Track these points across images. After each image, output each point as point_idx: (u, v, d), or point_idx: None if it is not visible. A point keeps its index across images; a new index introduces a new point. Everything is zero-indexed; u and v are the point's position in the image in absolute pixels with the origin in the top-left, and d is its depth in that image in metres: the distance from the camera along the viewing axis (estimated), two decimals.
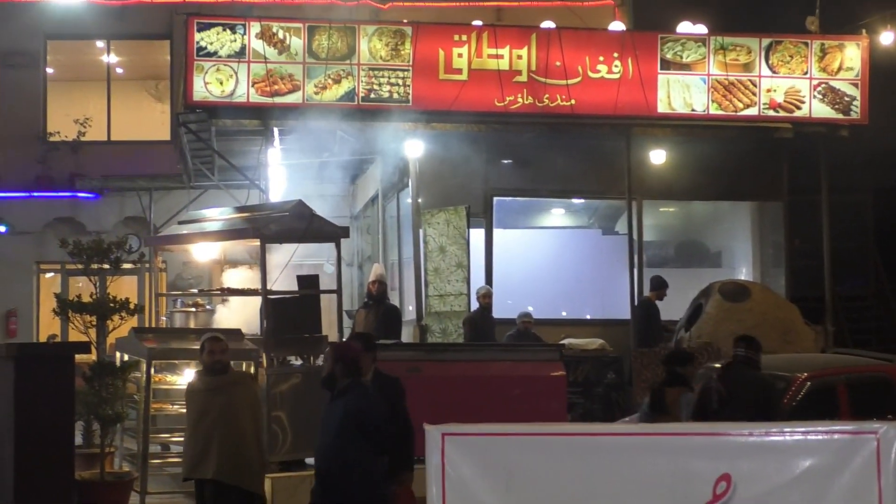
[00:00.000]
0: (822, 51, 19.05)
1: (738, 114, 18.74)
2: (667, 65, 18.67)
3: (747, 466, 6.03)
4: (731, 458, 6.03)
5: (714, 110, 18.71)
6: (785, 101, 18.86)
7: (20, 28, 27.78)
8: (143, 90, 30.01)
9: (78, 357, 12.87)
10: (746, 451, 6.08)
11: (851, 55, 19.10)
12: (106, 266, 15.59)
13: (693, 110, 18.69)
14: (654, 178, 19.70)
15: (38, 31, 27.96)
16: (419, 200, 19.16)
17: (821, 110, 18.97)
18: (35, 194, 27.10)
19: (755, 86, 18.77)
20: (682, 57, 18.70)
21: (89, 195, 27.00)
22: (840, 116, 19.04)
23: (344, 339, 15.17)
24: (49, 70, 28.50)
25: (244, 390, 10.96)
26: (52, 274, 27.60)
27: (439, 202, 19.22)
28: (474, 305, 18.40)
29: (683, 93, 18.64)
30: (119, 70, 29.56)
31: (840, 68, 19.05)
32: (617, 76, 18.53)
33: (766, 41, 18.91)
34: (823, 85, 18.98)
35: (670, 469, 5.92)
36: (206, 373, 10.82)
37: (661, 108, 18.60)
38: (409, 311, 19.93)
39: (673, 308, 18.85)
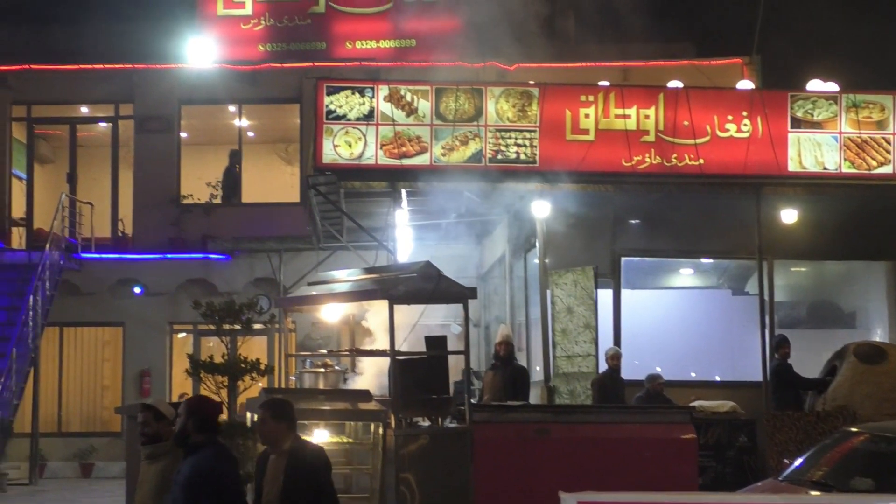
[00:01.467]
0: None
1: (872, 172, 18.37)
2: (797, 123, 18.40)
3: None
4: None
5: (847, 168, 18.37)
6: None
7: (156, 94, 28.46)
8: (273, 153, 30.46)
9: None
10: None
11: None
12: (237, 327, 15.74)
13: (825, 169, 18.37)
14: (786, 238, 19.38)
15: (172, 97, 28.58)
16: (546, 261, 19.09)
17: None
18: (168, 256, 27.57)
19: (889, 143, 18.41)
20: (812, 115, 18.42)
21: (221, 256, 27.39)
22: None
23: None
24: (183, 134, 29.08)
25: (165, 463, 9.98)
26: (184, 334, 27.99)
27: (567, 262, 19.12)
28: (602, 367, 18.24)
29: (815, 151, 18.34)
30: (250, 133, 30.05)
31: None
32: (746, 135, 18.30)
33: None
34: None
35: None
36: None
37: (792, 166, 18.30)
38: (537, 371, 19.81)
39: (806, 370, 18.48)
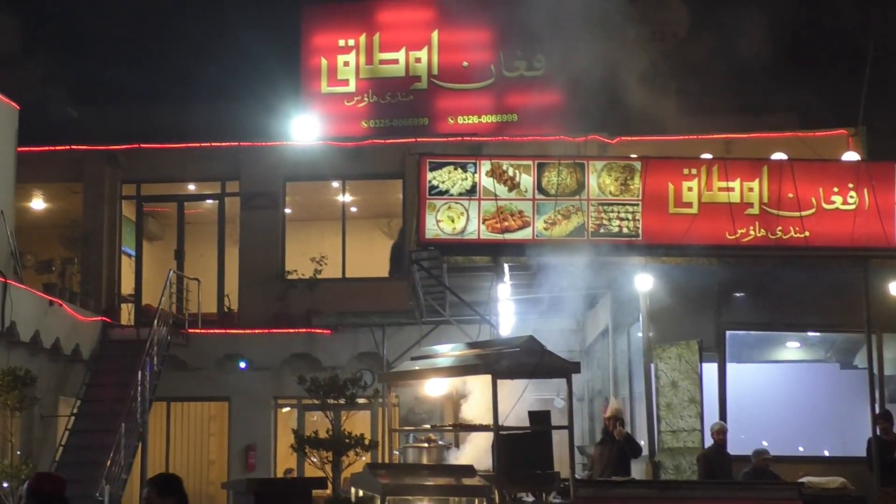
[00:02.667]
0: None
1: None
2: None
3: None
4: None
5: None
6: None
7: (261, 171, 28.87)
8: (376, 228, 30.67)
9: (315, 492, 13.00)
10: None
11: None
12: (341, 401, 15.88)
13: None
14: (895, 310, 19.10)
15: (277, 174, 28.96)
16: (650, 334, 18.99)
17: None
18: (273, 331, 27.77)
19: None
20: None
21: (324, 331, 27.53)
22: None
23: None
24: (287, 210, 29.39)
25: None
26: (288, 408, 28.13)
27: (670, 336, 19.01)
28: (708, 441, 18.07)
29: None
30: (353, 209, 30.31)
31: None
32: (853, 207, 18.15)
33: None
34: None
35: None
36: None
37: None
38: (641, 445, 19.65)
39: None
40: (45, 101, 30.12)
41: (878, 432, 17.65)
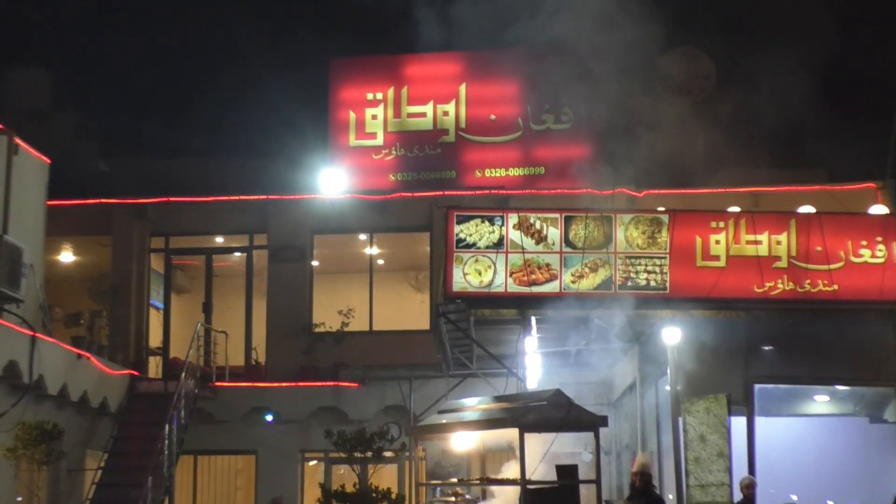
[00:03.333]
0: None
1: None
2: None
3: None
4: None
5: None
6: None
7: (290, 224, 29.01)
8: (403, 281, 30.71)
9: None
10: None
11: None
12: (368, 455, 15.87)
13: None
14: None
15: (305, 227, 29.08)
16: (678, 388, 18.96)
17: None
18: (301, 384, 27.80)
19: None
20: None
21: (352, 384, 27.54)
22: None
23: None
24: (315, 263, 29.47)
25: None
26: (315, 461, 28.11)
27: (699, 390, 18.96)
28: (737, 496, 17.99)
29: None
30: (380, 261, 30.37)
31: None
32: (881, 260, 18.14)
33: None
34: None
35: None
36: None
37: None
38: (670, 500, 19.59)
39: None
40: (75, 155, 30.33)
41: None
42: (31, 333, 22.36)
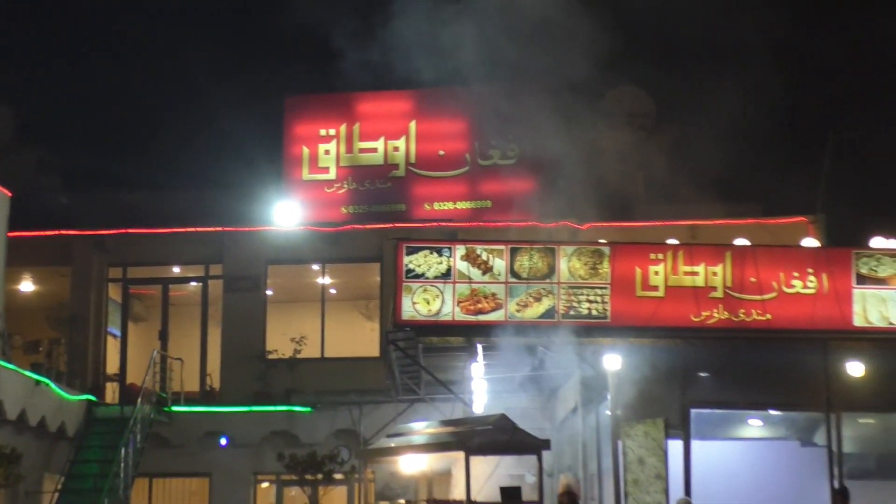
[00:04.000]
0: None
1: None
2: (862, 279, 18.39)
3: None
4: None
5: None
6: None
7: (244, 255, 28.99)
8: (354, 309, 30.70)
9: None
10: None
11: None
12: (319, 477, 15.85)
13: (891, 324, 18.29)
14: (853, 390, 19.19)
15: (260, 257, 29.06)
16: (618, 412, 19.04)
17: None
18: (254, 409, 27.72)
19: None
20: (877, 271, 18.41)
21: (304, 409, 27.49)
22: None
23: None
24: (269, 292, 29.42)
25: None
26: (267, 484, 27.98)
27: (637, 414, 19.06)
28: None
29: (880, 306, 18.29)
30: (332, 291, 30.36)
31: None
32: (812, 291, 18.32)
33: None
34: None
35: None
36: None
37: (858, 321, 18.25)
38: None
39: None
40: (35, 188, 30.21)
41: None
42: None
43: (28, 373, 24.46)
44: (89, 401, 27.32)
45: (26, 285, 30.17)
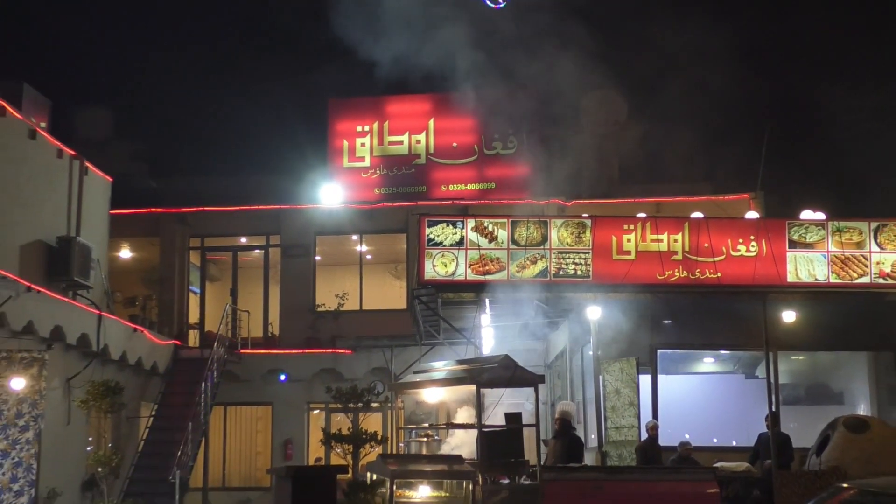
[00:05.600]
0: None
1: (854, 282, 18.17)
2: (793, 245, 18.29)
3: None
4: None
5: (833, 279, 18.18)
6: (892, 271, 18.23)
7: (297, 227, 29.00)
8: (386, 272, 30.69)
9: (338, 476, 13.00)
10: None
11: None
12: (359, 406, 15.84)
13: (816, 279, 18.20)
14: (787, 334, 19.16)
15: (309, 230, 29.06)
16: (598, 353, 19.03)
17: None
18: (306, 351, 27.80)
19: (867, 259, 18.21)
20: (805, 238, 18.30)
21: (346, 351, 27.55)
22: None
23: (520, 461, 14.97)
24: (317, 258, 29.43)
25: None
26: (318, 411, 28.08)
27: (615, 354, 19.06)
28: (644, 435, 18.09)
29: (808, 266, 18.20)
30: (368, 256, 30.36)
31: None
32: (753, 254, 18.23)
33: (874, 224, 18.36)
34: None
35: None
36: None
37: (790, 278, 18.17)
38: (592, 439, 19.66)
39: (805, 438, 18.16)
40: (130, 174, 30.23)
41: (769, 428, 17.65)
42: (98, 312, 22.32)
43: (127, 322, 24.59)
44: (175, 344, 27.45)
45: (125, 253, 30.24)
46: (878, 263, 18.26)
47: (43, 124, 23.78)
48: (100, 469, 18.96)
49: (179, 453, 23.50)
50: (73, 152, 23.63)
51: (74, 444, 21.50)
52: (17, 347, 16.41)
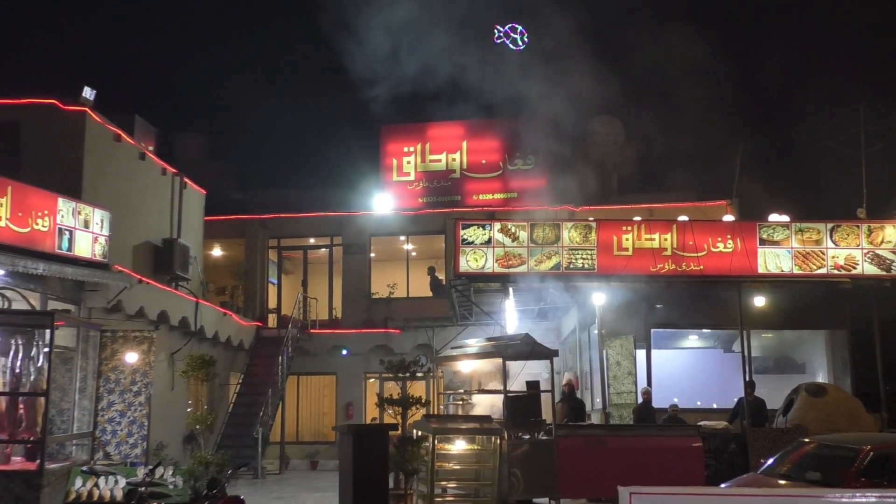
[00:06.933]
0: (869, 230, 18.20)
1: (813, 272, 18.03)
2: (763, 242, 18.17)
3: None
4: None
5: (796, 270, 18.05)
6: (845, 263, 18.06)
7: (355, 230, 29.11)
8: (427, 265, 30.78)
9: (390, 433, 13.09)
10: None
11: (890, 233, 18.19)
12: (406, 375, 15.87)
13: (782, 270, 18.08)
14: (757, 315, 19.06)
15: (365, 232, 29.17)
16: (602, 331, 19.00)
17: (870, 270, 18.04)
18: (363, 331, 27.92)
19: (824, 254, 18.07)
20: (773, 237, 18.17)
21: (396, 331, 27.64)
22: (884, 273, 18.06)
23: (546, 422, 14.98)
24: (372, 255, 29.54)
25: None
26: (373, 380, 28.23)
27: (616, 333, 19.02)
28: (639, 399, 18.05)
29: (775, 259, 18.07)
30: (413, 253, 30.43)
31: (882, 241, 18.15)
32: (730, 250, 18.12)
33: (830, 225, 18.22)
34: (871, 253, 18.10)
35: None
36: None
37: (761, 269, 18.05)
38: (597, 402, 19.63)
39: (773, 402, 18.06)
40: (221, 188, 30.49)
41: (746, 394, 17.59)
42: (196, 300, 22.55)
43: (218, 308, 24.81)
44: (258, 326, 27.68)
45: (216, 251, 30.53)
46: (833, 258, 18.11)
47: (150, 148, 24.06)
48: (197, 426, 19.13)
49: (261, 413, 23.73)
50: (174, 170, 23.88)
51: (177, 406, 21.76)
52: (131, 328, 16.63)
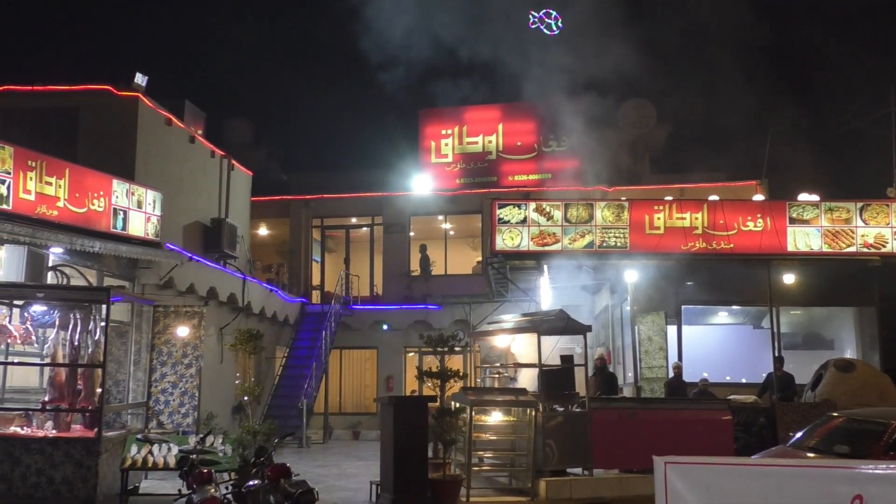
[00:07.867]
0: None
1: (843, 251, 17.75)
2: (793, 221, 17.92)
3: (875, 490, 5.34)
4: (863, 483, 5.34)
5: (825, 248, 17.79)
6: (875, 242, 17.76)
7: (395, 210, 29.12)
8: (465, 244, 30.74)
9: (429, 404, 13.11)
10: (874, 479, 5.37)
11: None
12: (445, 349, 15.86)
13: (811, 249, 17.81)
14: (787, 292, 18.83)
15: (405, 212, 29.17)
16: (634, 308, 18.89)
17: None
18: (403, 307, 27.97)
19: (853, 233, 17.77)
20: (802, 216, 17.91)
21: (434, 307, 27.66)
22: None
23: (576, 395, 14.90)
24: (411, 234, 29.55)
25: None
26: (412, 354, 28.31)
27: (647, 309, 18.89)
28: (670, 373, 17.91)
29: (805, 238, 17.82)
30: (451, 232, 30.41)
31: None
32: (760, 229, 17.90)
33: (860, 204, 17.92)
34: None
35: (819, 490, 5.36)
36: None
37: (790, 248, 17.82)
38: (629, 376, 19.53)
39: (801, 377, 17.83)
40: (267, 170, 30.66)
41: (775, 369, 17.39)
42: (243, 277, 22.71)
43: (265, 284, 24.98)
44: (302, 302, 27.84)
45: (262, 230, 30.73)
46: (862, 236, 17.83)
47: (200, 131, 24.21)
48: (245, 397, 19.26)
49: (306, 385, 23.89)
50: (222, 153, 24.02)
51: (226, 378, 21.98)
52: (182, 304, 16.79)
